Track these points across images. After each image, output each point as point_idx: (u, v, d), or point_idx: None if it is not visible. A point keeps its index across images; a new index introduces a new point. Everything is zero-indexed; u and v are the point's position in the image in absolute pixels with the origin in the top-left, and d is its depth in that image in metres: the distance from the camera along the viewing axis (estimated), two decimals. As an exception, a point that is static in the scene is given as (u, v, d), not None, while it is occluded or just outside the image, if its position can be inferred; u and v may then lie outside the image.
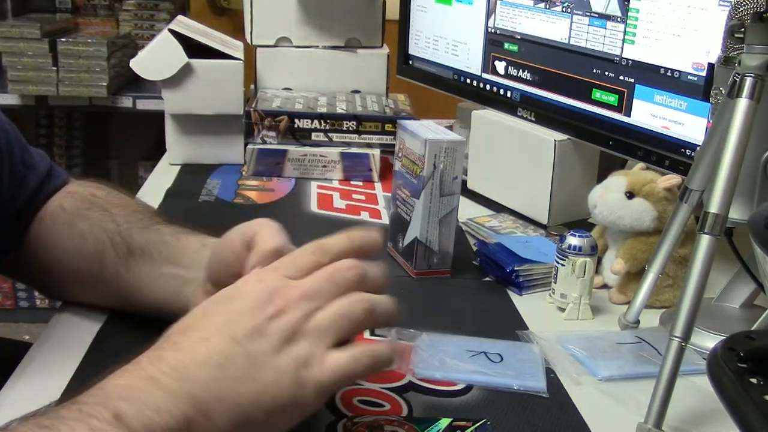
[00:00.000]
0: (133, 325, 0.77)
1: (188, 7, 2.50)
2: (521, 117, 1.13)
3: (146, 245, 0.74)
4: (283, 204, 1.16)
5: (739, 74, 0.66)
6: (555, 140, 1.04)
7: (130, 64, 1.24)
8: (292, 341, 0.51)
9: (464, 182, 1.00)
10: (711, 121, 0.74)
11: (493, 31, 1.18)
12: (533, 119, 1.11)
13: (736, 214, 0.71)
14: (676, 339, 0.63)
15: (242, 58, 1.27)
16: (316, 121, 1.25)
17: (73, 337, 0.74)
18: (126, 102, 2.25)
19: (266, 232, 0.61)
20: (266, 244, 0.59)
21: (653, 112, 0.94)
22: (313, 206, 1.15)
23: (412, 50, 1.38)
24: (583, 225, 0.98)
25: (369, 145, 1.27)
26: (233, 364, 0.50)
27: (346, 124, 1.26)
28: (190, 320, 0.53)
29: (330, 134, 1.26)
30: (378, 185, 1.25)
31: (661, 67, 0.92)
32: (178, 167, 1.28)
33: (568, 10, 1.03)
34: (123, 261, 0.74)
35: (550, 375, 0.71)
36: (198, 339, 0.51)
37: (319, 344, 0.52)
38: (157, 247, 0.74)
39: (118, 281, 0.75)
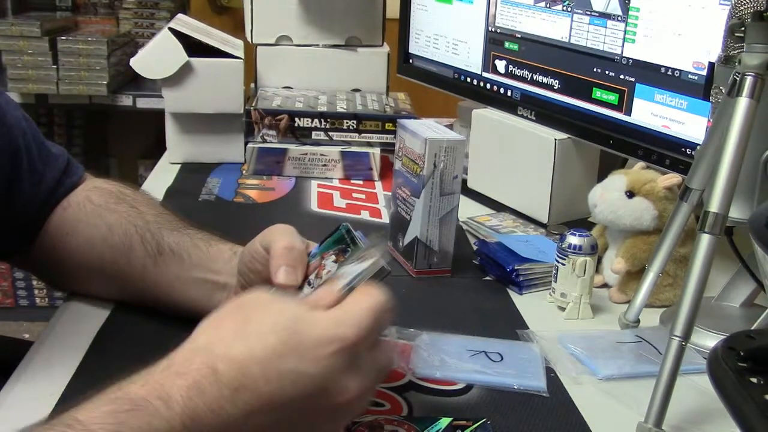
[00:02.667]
0: (135, 323, 0.77)
1: (188, 6, 2.50)
2: (522, 116, 1.13)
3: (177, 247, 0.75)
4: (283, 203, 1.16)
5: (739, 73, 0.66)
6: (555, 139, 1.04)
7: (130, 63, 1.24)
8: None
9: (464, 181, 1.00)
10: (711, 120, 0.74)
11: (493, 29, 1.18)
12: (534, 118, 1.11)
13: (736, 213, 0.71)
14: (677, 338, 0.63)
15: (242, 56, 1.27)
16: (316, 120, 1.25)
17: (74, 335, 0.74)
18: (126, 100, 2.25)
19: (277, 235, 0.64)
20: (279, 245, 0.63)
21: (654, 111, 0.94)
22: (314, 205, 1.15)
23: (413, 49, 1.38)
24: (584, 224, 0.98)
25: (369, 144, 1.27)
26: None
27: (347, 122, 1.26)
28: (256, 353, 0.49)
29: (330, 133, 1.26)
30: (378, 184, 1.25)
31: (662, 66, 0.92)
32: (179, 166, 1.28)
33: (569, 9, 1.03)
34: (152, 258, 0.75)
35: (551, 374, 0.71)
36: (246, 407, 0.48)
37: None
38: (188, 251, 0.75)
39: (144, 277, 0.75)
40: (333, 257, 0.63)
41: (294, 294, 0.64)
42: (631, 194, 0.86)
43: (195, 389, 0.46)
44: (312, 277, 0.63)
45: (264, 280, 0.66)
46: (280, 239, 0.64)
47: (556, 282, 0.84)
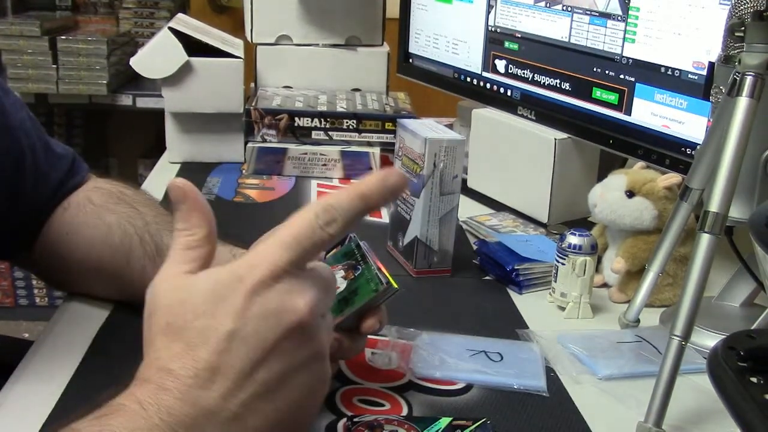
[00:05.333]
0: (135, 323, 0.76)
1: (188, 5, 2.50)
2: (521, 116, 1.13)
3: None
4: (283, 202, 1.16)
5: (739, 73, 0.66)
6: (555, 139, 1.04)
7: (130, 63, 1.24)
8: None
9: (464, 181, 1.00)
10: (711, 120, 0.74)
11: (493, 29, 1.18)
12: (533, 118, 1.11)
13: (736, 212, 0.71)
14: (677, 338, 0.63)
15: (242, 56, 1.27)
16: (316, 120, 1.25)
17: (74, 335, 0.74)
18: (126, 100, 2.25)
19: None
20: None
21: (654, 111, 0.94)
22: (313, 205, 1.15)
23: (413, 48, 1.38)
24: (584, 224, 0.98)
25: (369, 144, 1.27)
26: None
27: (346, 122, 1.26)
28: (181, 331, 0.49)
29: (330, 132, 1.26)
30: (378, 184, 1.25)
31: (662, 65, 0.92)
32: (178, 165, 1.28)
33: (569, 9, 1.03)
34: (151, 259, 0.75)
35: (550, 374, 0.71)
36: (214, 385, 0.47)
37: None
38: None
39: (143, 278, 0.75)
40: (342, 272, 0.62)
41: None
42: (631, 194, 0.86)
43: (161, 390, 0.47)
44: None
45: None
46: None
47: (556, 282, 0.84)
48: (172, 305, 0.50)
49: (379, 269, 0.61)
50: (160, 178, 1.23)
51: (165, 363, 0.48)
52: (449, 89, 1.30)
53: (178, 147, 1.29)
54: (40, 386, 0.66)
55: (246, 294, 0.48)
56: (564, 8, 1.04)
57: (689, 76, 0.89)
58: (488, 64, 1.20)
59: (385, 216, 1.10)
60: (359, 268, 0.61)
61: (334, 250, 0.65)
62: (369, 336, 0.75)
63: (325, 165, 1.26)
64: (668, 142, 0.92)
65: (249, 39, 1.42)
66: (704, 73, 0.87)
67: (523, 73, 1.13)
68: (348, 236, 0.65)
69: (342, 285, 0.62)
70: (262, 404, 0.48)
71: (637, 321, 0.81)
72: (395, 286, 0.60)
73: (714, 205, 0.64)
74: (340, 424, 0.61)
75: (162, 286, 0.51)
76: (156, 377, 0.48)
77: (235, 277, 0.49)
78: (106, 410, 0.47)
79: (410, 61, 1.39)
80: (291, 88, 1.42)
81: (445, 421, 0.62)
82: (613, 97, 0.99)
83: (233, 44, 1.31)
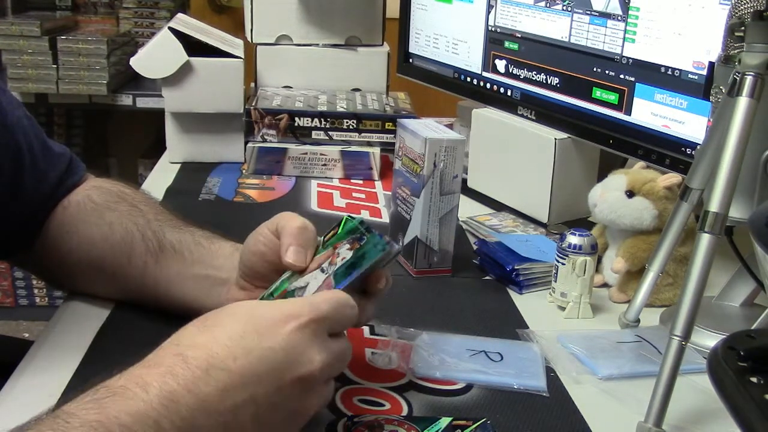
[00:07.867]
0: (135, 323, 0.77)
1: (188, 5, 2.50)
2: (522, 115, 1.13)
3: (179, 244, 0.75)
4: (283, 202, 1.16)
5: (739, 73, 0.66)
6: (555, 139, 1.04)
7: (130, 62, 1.24)
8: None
9: (464, 181, 1.00)
10: (711, 120, 0.74)
11: (493, 29, 1.18)
12: (534, 118, 1.11)
13: (736, 212, 0.71)
14: (677, 338, 0.63)
15: (242, 56, 1.27)
16: (316, 120, 1.25)
17: (74, 335, 0.74)
18: (126, 100, 2.25)
19: (290, 217, 0.66)
20: (293, 224, 0.65)
21: (654, 111, 0.94)
22: (314, 205, 1.15)
23: (413, 48, 1.38)
24: (584, 224, 0.98)
25: (369, 144, 1.27)
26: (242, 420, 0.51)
27: (347, 122, 1.26)
28: (213, 345, 0.52)
29: (330, 132, 1.26)
30: (378, 184, 1.25)
31: (662, 65, 0.92)
32: (178, 165, 1.28)
33: (569, 9, 1.03)
34: (153, 255, 0.75)
35: (551, 374, 0.71)
36: (219, 384, 0.50)
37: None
38: (189, 248, 0.75)
39: (144, 275, 0.75)
40: (347, 245, 0.63)
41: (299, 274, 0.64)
42: (631, 194, 0.86)
43: (169, 374, 0.49)
44: (326, 264, 0.63)
45: (266, 263, 0.66)
46: (294, 220, 0.66)
47: (556, 281, 0.84)
48: (221, 310, 0.54)
49: (381, 236, 0.62)
50: (160, 178, 1.23)
51: (182, 350, 0.50)
52: (449, 89, 1.30)
53: (178, 147, 1.29)
54: (41, 386, 0.66)
55: (281, 319, 0.53)
56: (564, 8, 1.04)
57: (689, 76, 0.89)
58: (488, 64, 1.20)
59: (385, 216, 1.10)
60: (364, 238, 0.63)
61: (332, 233, 0.65)
62: (370, 336, 0.76)
63: (325, 165, 1.26)
64: (668, 142, 0.92)
65: (249, 39, 1.42)
66: (704, 73, 0.87)
67: (523, 73, 1.13)
68: (344, 218, 0.65)
69: (348, 255, 0.62)
70: (245, 416, 0.51)
71: (637, 321, 0.81)
72: (397, 246, 0.62)
73: (714, 205, 0.64)
74: (340, 424, 0.61)
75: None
76: (168, 361, 0.50)
77: (276, 306, 0.55)
78: (104, 392, 0.48)
79: (410, 61, 1.39)
80: (291, 88, 1.42)
81: (445, 421, 0.62)
82: (613, 97, 0.99)
83: (233, 44, 1.31)
